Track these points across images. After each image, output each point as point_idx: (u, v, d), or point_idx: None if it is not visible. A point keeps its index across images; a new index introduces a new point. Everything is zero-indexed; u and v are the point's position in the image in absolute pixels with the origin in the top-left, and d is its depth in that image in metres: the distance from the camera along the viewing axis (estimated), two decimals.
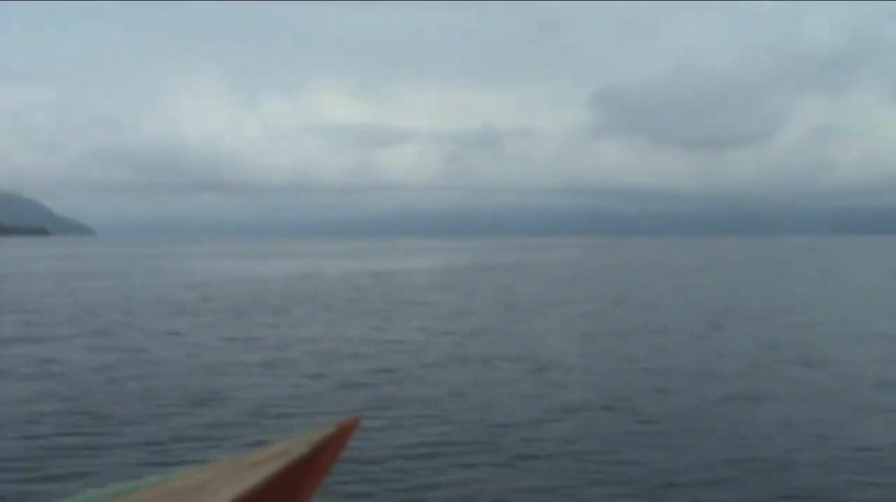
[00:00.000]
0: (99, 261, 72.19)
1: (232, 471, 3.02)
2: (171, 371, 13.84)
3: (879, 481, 7.89)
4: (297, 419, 10.25)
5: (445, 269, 55.41)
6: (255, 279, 42.91)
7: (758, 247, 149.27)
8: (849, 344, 17.97)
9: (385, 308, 25.92)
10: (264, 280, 41.94)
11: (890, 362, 15.17)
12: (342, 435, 3.48)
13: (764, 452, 8.83)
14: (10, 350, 16.47)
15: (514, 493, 7.56)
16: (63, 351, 16.15)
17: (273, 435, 8.40)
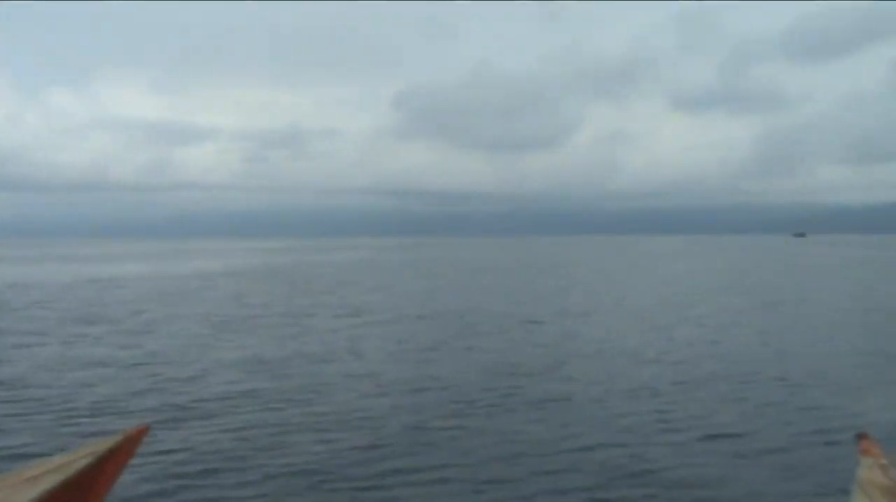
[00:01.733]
0: None
1: (2, 489, 3.01)
2: None
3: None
4: None
5: (197, 275, 49.50)
6: None
7: (554, 246, 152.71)
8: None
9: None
10: None
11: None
12: (129, 444, 4.14)
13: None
14: None
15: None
16: None
17: None
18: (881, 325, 21.37)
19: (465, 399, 11.60)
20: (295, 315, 23.73)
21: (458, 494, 7.51)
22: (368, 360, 15.24)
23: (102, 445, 4.19)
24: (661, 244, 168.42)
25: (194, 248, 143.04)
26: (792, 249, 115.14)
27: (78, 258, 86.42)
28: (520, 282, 39.93)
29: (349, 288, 36.29)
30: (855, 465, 4.61)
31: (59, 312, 24.69)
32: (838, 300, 29.31)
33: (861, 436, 5.12)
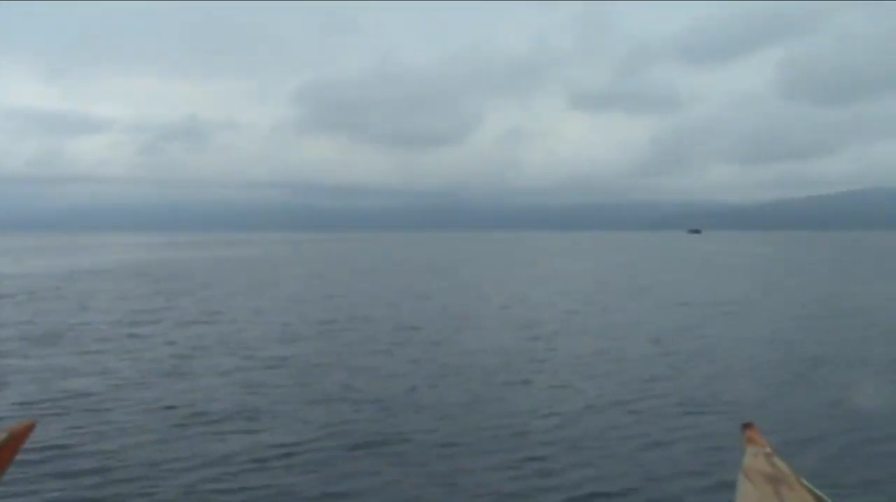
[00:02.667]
0: None
1: None
2: None
3: None
4: None
5: (64, 273, 45.60)
6: None
7: (451, 242, 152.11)
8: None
9: None
10: None
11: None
12: (15, 440, 4.06)
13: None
14: None
15: None
16: None
17: None
18: (770, 320, 22.00)
19: (299, 432, 9.55)
20: (133, 322, 21.03)
21: None
22: (182, 383, 12.89)
23: None
24: (559, 241, 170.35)
25: (82, 243, 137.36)
26: (689, 244, 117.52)
27: None
28: (404, 283, 38.08)
29: (216, 289, 33.53)
30: (741, 454, 4.64)
31: None
32: (732, 293, 30.15)
33: (747, 426, 5.15)
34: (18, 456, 5.23)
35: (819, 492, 4.09)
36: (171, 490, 7.67)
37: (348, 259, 70.53)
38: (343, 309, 24.92)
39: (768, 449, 4.70)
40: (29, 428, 5.04)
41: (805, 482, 4.19)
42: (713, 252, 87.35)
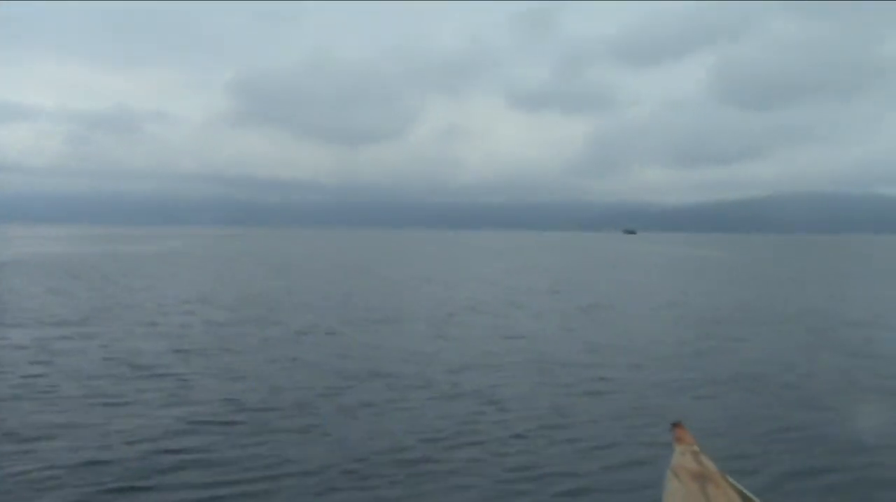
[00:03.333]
0: None
1: None
2: None
3: None
4: None
5: None
6: None
7: (382, 239, 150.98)
8: None
9: None
10: None
11: None
12: None
13: None
14: None
15: None
16: None
17: None
18: (701, 322, 21.35)
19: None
20: None
21: None
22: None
23: None
24: (492, 240, 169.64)
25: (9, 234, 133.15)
26: (624, 246, 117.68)
27: None
28: (321, 283, 35.11)
29: (114, 286, 30.04)
30: (670, 452, 4.55)
31: None
32: (666, 295, 29.35)
33: (676, 425, 5.07)
34: None
35: (744, 489, 4.11)
36: None
37: (272, 255, 67.18)
38: (244, 309, 22.08)
39: (696, 448, 4.67)
40: None
41: (730, 479, 4.17)
42: (651, 253, 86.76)
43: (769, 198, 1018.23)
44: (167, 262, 50.61)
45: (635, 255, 78.03)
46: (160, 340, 16.02)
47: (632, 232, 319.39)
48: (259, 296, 26.72)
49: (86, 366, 12.97)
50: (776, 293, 31.43)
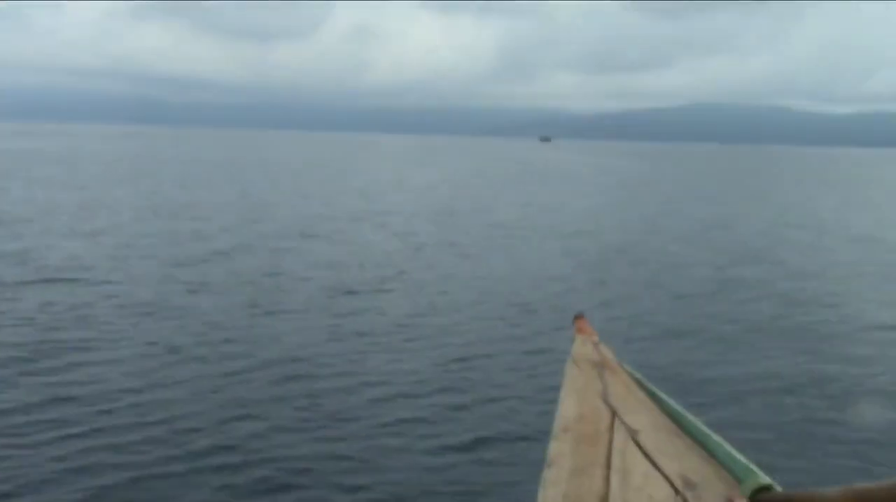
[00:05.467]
0: None
1: None
2: None
3: None
4: None
5: None
6: None
7: (290, 142, 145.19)
8: None
9: None
10: None
11: None
12: None
13: None
14: None
15: None
16: None
17: None
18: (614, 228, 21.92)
19: None
20: None
21: None
22: None
23: None
24: (404, 144, 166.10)
25: None
26: (544, 154, 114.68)
27: None
28: (218, 195, 28.73)
29: None
30: (571, 342, 4.39)
31: None
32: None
33: (577, 317, 4.81)
34: None
35: (637, 374, 4.06)
36: None
37: (166, 159, 59.38)
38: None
39: (595, 338, 4.58)
40: None
41: (626, 366, 4.17)
42: (568, 160, 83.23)
43: (678, 108, 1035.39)
44: (45, 165, 42.86)
45: (561, 163, 74.22)
46: None
47: (547, 139, 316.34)
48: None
49: None
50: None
